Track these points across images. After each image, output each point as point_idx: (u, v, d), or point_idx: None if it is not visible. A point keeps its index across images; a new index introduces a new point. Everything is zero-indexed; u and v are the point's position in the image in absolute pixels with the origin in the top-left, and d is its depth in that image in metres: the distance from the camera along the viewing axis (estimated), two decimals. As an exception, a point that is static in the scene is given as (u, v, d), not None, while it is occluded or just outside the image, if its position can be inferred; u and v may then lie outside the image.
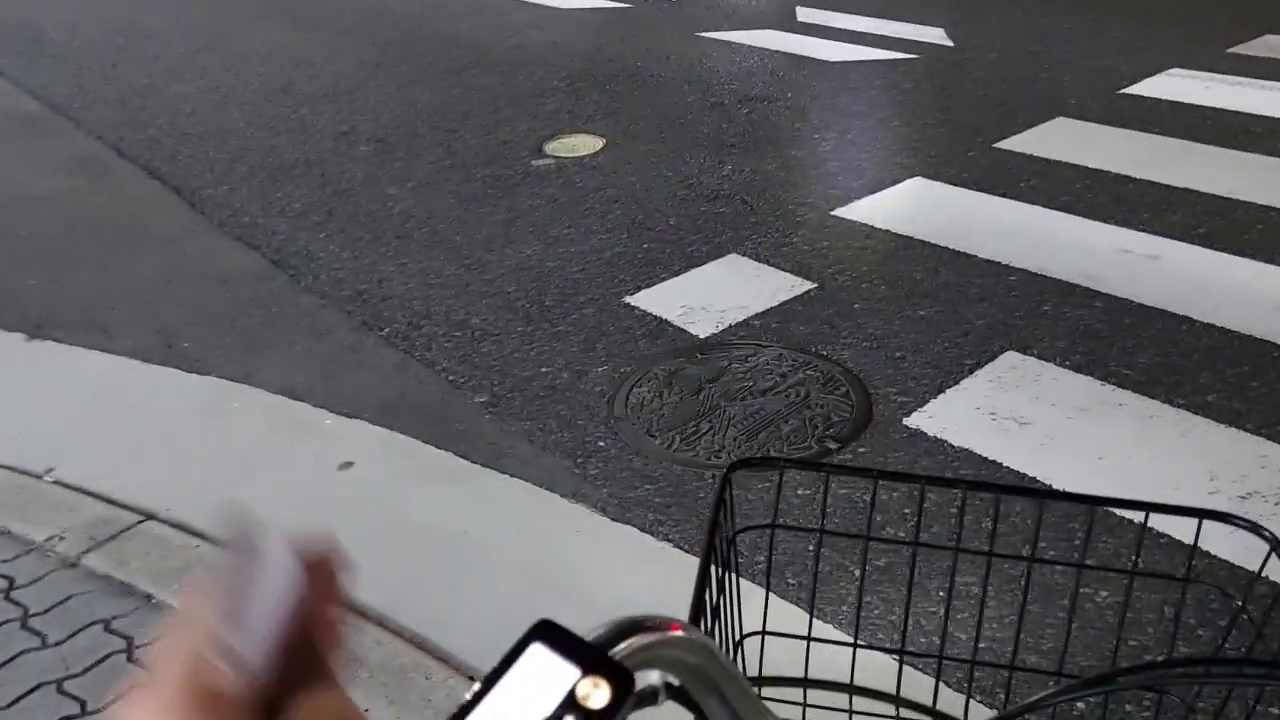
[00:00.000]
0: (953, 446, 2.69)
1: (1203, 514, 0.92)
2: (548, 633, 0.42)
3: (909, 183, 4.31)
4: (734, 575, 0.97)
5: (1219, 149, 4.48)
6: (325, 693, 0.45)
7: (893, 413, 2.84)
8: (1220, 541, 1.59)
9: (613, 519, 2.50)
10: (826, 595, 2.24)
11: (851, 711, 1.04)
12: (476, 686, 0.41)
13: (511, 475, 2.66)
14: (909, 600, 1.04)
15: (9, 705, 2.00)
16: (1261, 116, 4.82)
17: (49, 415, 2.98)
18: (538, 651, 0.42)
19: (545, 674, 0.41)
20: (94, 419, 2.94)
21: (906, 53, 6.09)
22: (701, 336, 3.24)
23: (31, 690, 2.03)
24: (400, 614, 2.21)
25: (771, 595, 1.14)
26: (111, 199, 4.52)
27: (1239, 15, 6.55)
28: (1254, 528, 0.89)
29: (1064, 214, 3.94)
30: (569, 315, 3.40)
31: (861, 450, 2.71)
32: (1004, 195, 4.13)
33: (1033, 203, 4.05)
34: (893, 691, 1.02)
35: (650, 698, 0.52)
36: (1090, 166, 4.33)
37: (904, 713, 1.02)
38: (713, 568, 0.90)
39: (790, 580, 2.27)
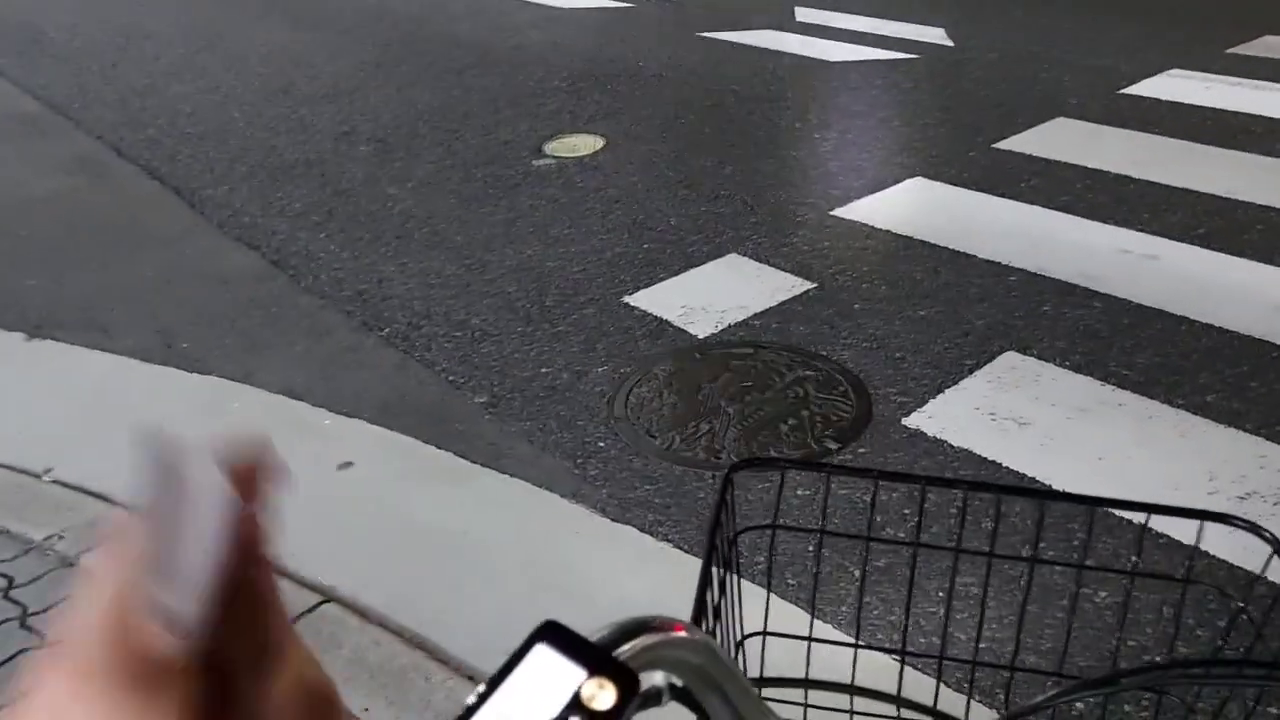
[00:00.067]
0: (952, 447, 2.69)
1: (1203, 515, 0.92)
2: (552, 634, 0.42)
3: (909, 183, 4.31)
4: (735, 576, 0.97)
5: (1218, 149, 4.48)
6: (277, 641, 0.38)
7: (892, 413, 2.84)
8: (1219, 542, 1.60)
9: (613, 519, 2.50)
10: (826, 595, 2.24)
11: (852, 712, 1.04)
12: (481, 688, 0.41)
13: (511, 475, 2.66)
14: (909, 601, 1.04)
15: (8, 704, 2.00)
16: (1261, 117, 4.82)
17: (48, 415, 2.98)
18: (542, 652, 0.42)
19: (550, 675, 0.41)
20: (93, 419, 2.94)
21: (906, 53, 6.09)
22: (701, 336, 3.24)
23: (32, 690, 2.03)
24: (400, 614, 2.21)
25: (772, 596, 1.14)
26: (111, 199, 4.52)
27: (1239, 16, 6.55)
28: (1254, 529, 0.89)
29: (1064, 214, 3.94)
30: (569, 315, 3.40)
31: (861, 450, 2.71)
32: (1004, 195, 4.13)
33: (1032, 203, 4.05)
34: (894, 692, 1.02)
35: (654, 698, 0.52)
36: (1090, 167, 4.33)
37: (905, 713, 1.02)
38: (714, 568, 0.90)
39: (790, 580, 2.27)
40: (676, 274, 3.63)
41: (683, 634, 0.51)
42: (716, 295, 3.47)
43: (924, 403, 2.87)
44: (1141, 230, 3.78)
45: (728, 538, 0.97)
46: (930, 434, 2.74)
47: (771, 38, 6.50)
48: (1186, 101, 5.05)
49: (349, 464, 2.71)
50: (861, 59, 6.01)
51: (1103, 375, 2.96)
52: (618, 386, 3.01)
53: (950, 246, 3.72)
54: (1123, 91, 5.23)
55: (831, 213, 4.05)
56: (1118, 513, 2.34)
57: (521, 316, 3.41)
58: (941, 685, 1.14)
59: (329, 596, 2.24)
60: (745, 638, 1.03)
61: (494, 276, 3.68)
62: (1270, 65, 5.59)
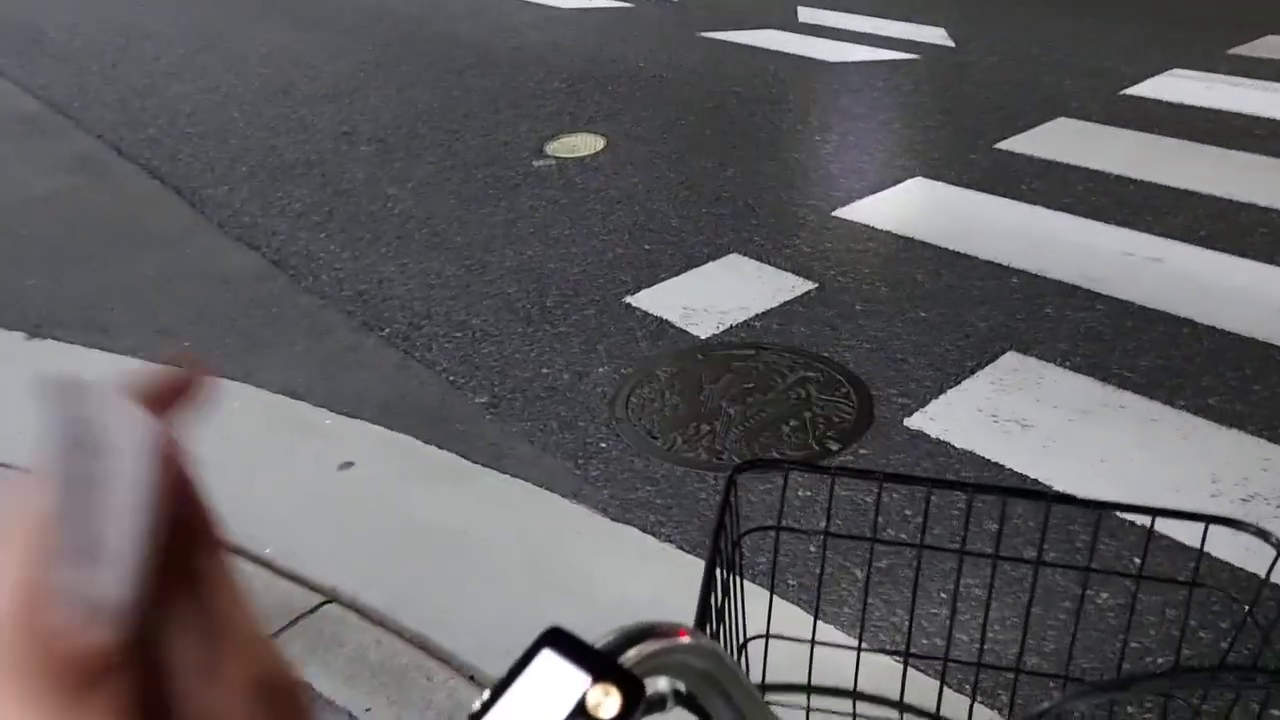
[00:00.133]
0: (954, 448, 2.69)
1: (1209, 519, 0.91)
2: (558, 640, 0.42)
3: (910, 183, 4.30)
4: (739, 578, 0.97)
5: (1221, 150, 4.48)
6: (226, 625, 0.30)
7: (894, 414, 2.84)
8: (1222, 544, 1.59)
9: (614, 520, 2.50)
10: (828, 597, 2.24)
11: (855, 716, 1.03)
12: (486, 694, 0.41)
13: (512, 476, 2.66)
14: (914, 603, 1.04)
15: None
16: (1263, 118, 4.82)
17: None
18: (548, 658, 0.41)
19: (555, 681, 0.40)
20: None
21: (908, 53, 6.09)
22: (703, 337, 3.23)
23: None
24: (401, 614, 2.21)
25: (774, 597, 1.13)
26: (112, 199, 4.51)
27: (1240, 16, 6.55)
28: (1261, 534, 0.89)
29: (1065, 215, 3.94)
30: (570, 316, 3.40)
31: (863, 452, 2.71)
32: (1005, 196, 4.13)
33: (1034, 204, 4.05)
34: (896, 696, 1.02)
35: (659, 704, 0.51)
36: (1092, 168, 4.33)
37: (908, 718, 1.02)
38: (718, 570, 0.90)
39: (791, 582, 2.27)
40: (677, 275, 3.63)
41: (687, 639, 0.50)
42: (718, 296, 3.47)
43: (926, 404, 2.87)
44: (1144, 232, 3.77)
45: (732, 540, 0.96)
46: (932, 435, 2.74)
47: (773, 38, 6.50)
48: (1188, 102, 5.04)
49: (350, 464, 2.70)
50: (863, 59, 6.01)
51: (1105, 377, 2.95)
52: (619, 387, 3.01)
53: (952, 248, 3.72)
54: (1124, 92, 5.23)
55: (833, 213, 4.05)
56: (1121, 515, 2.34)
57: (522, 317, 3.41)
58: (945, 688, 1.13)
59: (330, 596, 2.24)
60: (748, 640, 1.02)
61: (494, 277, 3.68)
62: (1272, 66, 5.58)
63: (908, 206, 4.10)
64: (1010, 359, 3.06)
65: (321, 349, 3.29)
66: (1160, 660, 2.02)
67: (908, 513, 2.44)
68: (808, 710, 1.02)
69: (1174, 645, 1.97)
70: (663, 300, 3.46)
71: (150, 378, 0.31)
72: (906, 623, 2.10)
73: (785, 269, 3.63)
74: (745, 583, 1.01)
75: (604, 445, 2.77)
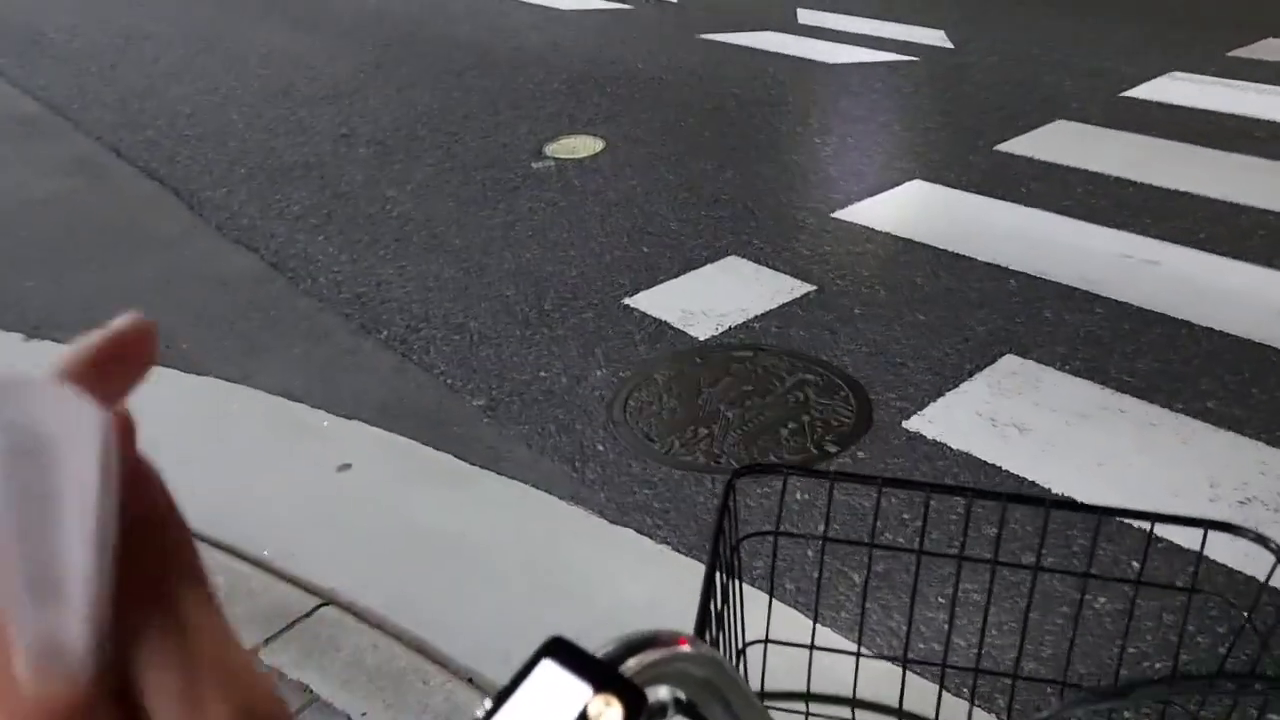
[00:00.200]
0: (952, 451, 2.69)
1: (1209, 525, 0.91)
2: (559, 650, 0.42)
3: (909, 185, 4.31)
4: (738, 583, 0.97)
5: (1219, 152, 4.48)
6: (205, 653, 0.26)
7: (892, 417, 2.84)
8: (1219, 549, 1.59)
9: (611, 523, 2.50)
10: (825, 601, 2.24)
11: (854, 723, 1.03)
12: (488, 703, 0.41)
13: (510, 478, 2.65)
14: (912, 609, 1.04)
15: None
16: (1262, 120, 4.82)
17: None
18: (549, 669, 0.41)
19: (556, 692, 0.40)
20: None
21: (907, 55, 6.09)
22: (701, 339, 3.24)
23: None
24: (398, 616, 2.20)
25: (773, 601, 1.13)
26: (110, 200, 4.51)
27: (1239, 18, 6.55)
28: (1261, 540, 0.89)
29: (1064, 217, 3.94)
30: (568, 319, 3.40)
31: (861, 455, 2.71)
32: (1004, 198, 4.13)
33: (1033, 206, 4.05)
34: (894, 703, 1.02)
35: (660, 713, 0.51)
36: (1091, 170, 4.33)
37: (907, 724, 1.02)
38: (717, 575, 0.90)
39: (789, 585, 2.27)
40: (676, 277, 3.63)
41: (688, 648, 0.50)
42: (716, 298, 3.47)
43: (924, 407, 2.87)
44: (1142, 234, 3.78)
45: (730, 544, 0.96)
46: (930, 438, 2.74)
47: (772, 40, 6.50)
48: (1187, 104, 5.05)
49: (347, 466, 2.70)
50: (862, 61, 6.01)
51: (1103, 380, 2.96)
52: (617, 390, 3.01)
53: (950, 250, 3.72)
54: (1123, 94, 5.23)
55: (832, 215, 4.05)
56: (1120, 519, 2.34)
57: (520, 320, 3.41)
58: (943, 693, 1.13)
59: (328, 599, 2.24)
60: (747, 645, 1.02)
61: (493, 279, 3.68)
62: (1271, 68, 5.59)
63: (907, 208, 4.10)
64: (1009, 362, 3.06)
65: (320, 351, 3.29)
66: (1158, 665, 2.02)
67: (905, 516, 2.44)
68: (806, 716, 1.02)
69: (1171, 650, 1.97)
70: (661, 302, 3.46)
71: (87, 351, 0.27)
72: (904, 627, 2.10)
73: (784, 271, 3.63)
74: (744, 586, 1.01)
75: (602, 448, 2.77)
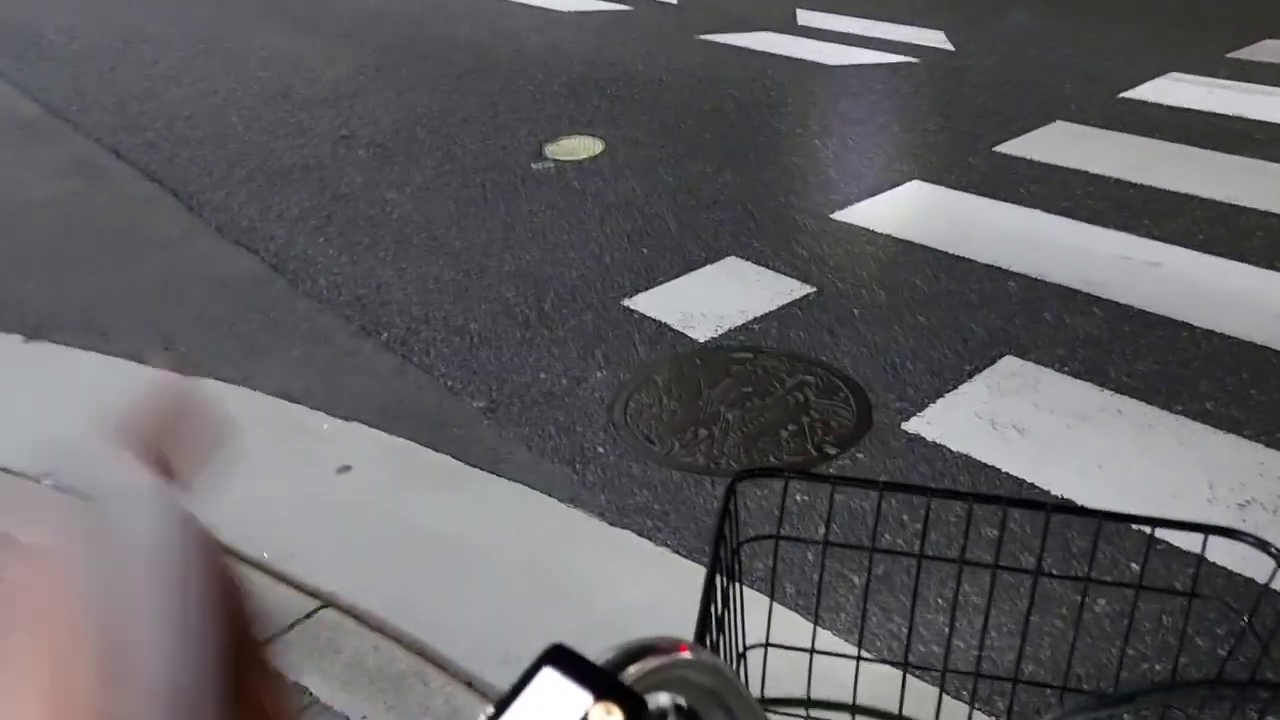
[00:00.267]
0: (951, 453, 2.69)
1: (1209, 530, 0.91)
2: (559, 657, 0.42)
3: (909, 187, 4.31)
4: (739, 587, 0.97)
5: (1219, 154, 4.48)
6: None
7: (892, 419, 2.84)
8: (1219, 551, 1.59)
9: (611, 525, 2.50)
10: (825, 603, 2.24)
11: (854, 728, 1.04)
12: (490, 709, 0.41)
13: (510, 480, 2.66)
14: (912, 614, 1.04)
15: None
16: (1261, 122, 4.83)
17: (47, 418, 2.97)
18: (549, 676, 0.41)
19: (557, 700, 0.40)
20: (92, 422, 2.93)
21: (906, 56, 6.10)
22: (701, 341, 3.24)
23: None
24: (398, 619, 2.21)
25: (773, 604, 1.13)
26: (110, 202, 4.51)
27: (1239, 20, 6.56)
28: (1261, 545, 0.89)
29: (1064, 219, 3.94)
30: (568, 320, 3.40)
31: (860, 456, 2.71)
32: (1004, 200, 4.13)
33: (1032, 207, 4.05)
34: (895, 707, 1.02)
35: (659, 720, 0.51)
36: (1090, 171, 4.34)
37: (908, 729, 1.02)
38: (718, 578, 0.90)
39: (789, 587, 2.27)
40: (675, 278, 3.63)
41: (688, 655, 0.51)
42: (716, 300, 3.47)
43: (923, 409, 2.87)
44: (1142, 236, 3.78)
45: (731, 548, 0.96)
46: (929, 440, 2.74)
47: (772, 41, 6.50)
48: (1186, 106, 5.05)
49: (347, 468, 2.70)
50: (861, 63, 6.02)
51: (1102, 382, 2.96)
52: (616, 392, 3.01)
53: (950, 251, 3.72)
54: (1122, 96, 5.23)
55: (831, 217, 4.05)
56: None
57: (520, 321, 3.41)
58: (943, 697, 1.13)
59: (328, 601, 2.24)
60: (747, 649, 1.02)
61: (493, 281, 3.68)
62: (1271, 70, 5.59)
63: (906, 210, 4.11)
64: (1008, 363, 3.06)
65: (319, 353, 3.29)
66: (1157, 667, 2.02)
67: (905, 518, 2.44)
68: (806, 719, 1.02)
69: (1170, 652, 1.97)
70: (661, 304, 3.46)
71: (151, 413, 0.26)
72: (904, 629, 2.10)
73: (783, 273, 3.63)
74: (744, 590, 1.01)
75: (601, 450, 2.77)
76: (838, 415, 2.86)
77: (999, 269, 3.58)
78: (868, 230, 3.92)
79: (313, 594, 2.26)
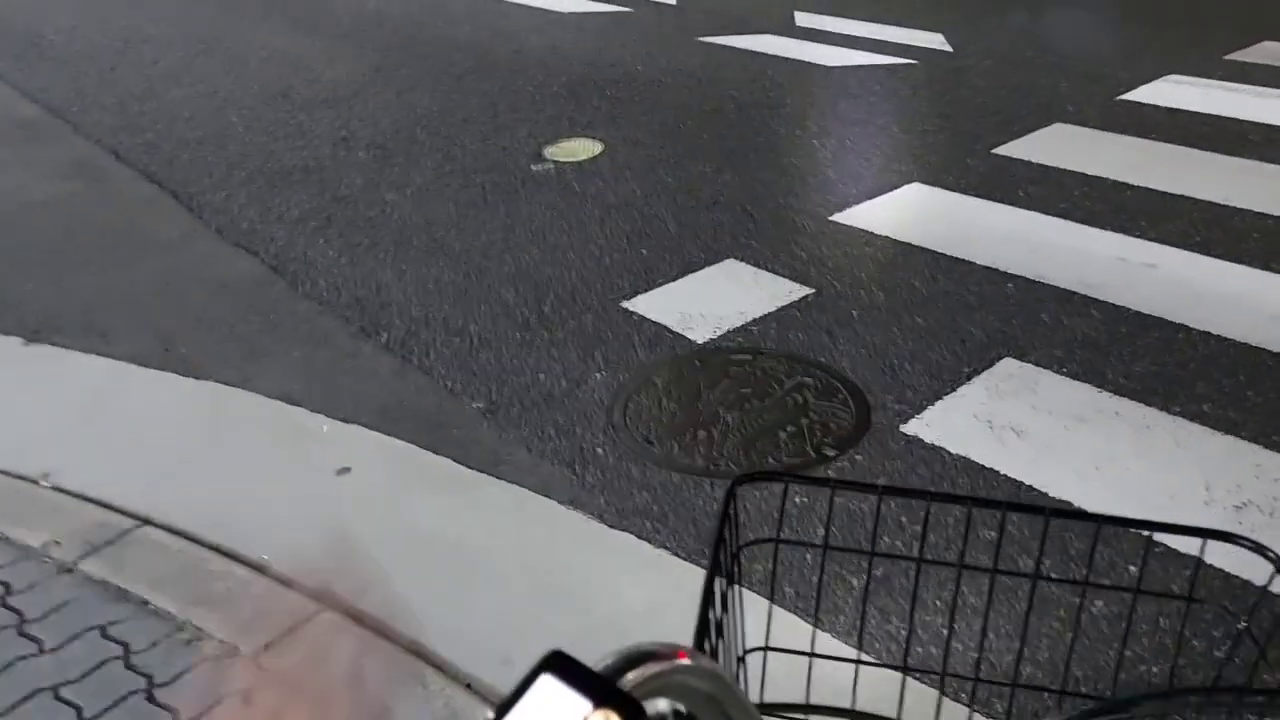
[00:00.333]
0: (950, 454, 2.69)
1: (1207, 534, 0.92)
2: (558, 664, 0.42)
3: (907, 189, 4.31)
4: (738, 590, 0.97)
5: (1216, 156, 4.49)
6: None
7: (890, 420, 2.84)
8: (1217, 554, 1.59)
9: (610, 527, 2.50)
10: (824, 606, 2.24)
11: (853, 732, 1.04)
12: (489, 716, 0.41)
13: (509, 482, 2.66)
14: (912, 617, 1.04)
15: (6, 712, 2.00)
16: (1259, 124, 4.83)
17: (47, 419, 2.97)
18: (548, 683, 0.42)
19: (556, 706, 0.41)
20: (92, 423, 2.93)
21: (905, 58, 6.10)
22: (700, 343, 3.24)
23: (28, 697, 2.02)
24: (397, 620, 2.21)
25: (772, 606, 1.13)
26: (110, 203, 4.51)
27: (1237, 22, 6.56)
28: (1259, 549, 0.89)
29: (1062, 221, 3.95)
30: (567, 322, 3.40)
31: (859, 458, 2.71)
32: (1002, 202, 4.14)
33: (1030, 209, 4.06)
34: (893, 711, 1.02)
35: (658, 726, 0.52)
36: (1088, 173, 4.34)
37: (907, 732, 1.02)
38: (717, 582, 0.90)
39: (788, 590, 2.27)
40: (675, 280, 3.63)
41: (686, 661, 0.51)
42: (715, 301, 3.47)
43: (922, 410, 2.87)
44: (1139, 237, 3.78)
45: (731, 552, 0.96)
46: (928, 441, 2.74)
47: (771, 43, 6.50)
48: (1184, 108, 5.06)
49: (347, 469, 2.70)
50: (860, 64, 6.02)
51: (1100, 383, 2.96)
52: (616, 393, 3.01)
53: (948, 253, 3.72)
54: (1121, 97, 5.24)
55: (830, 219, 4.05)
56: (1116, 522, 2.34)
57: (519, 323, 3.41)
58: (943, 699, 1.13)
59: (327, 603, 2.24)
60: (746, 653, 1.03)
61: (492, 282, 3.68)
62: (1268, 71, 5.60)
63: (905, 212, 4.11)
64: (1006, 365, 3.06)
65: (319, 355, 3.29)
66: (1155, 669, 2.03)
67: (903, 519, 2.44)
68: (805, 724, 1.03)
69: (1168, 654, 1.98)
70: (660, 306, 3.46)
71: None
72: (903, 631, 2.10)
73: (782, 274, 3.63)
74: (743, 593, 1.02)
75: (601, 452, 2.78)
76: (836, 417, 2.86)
77: (997, 270, 3.59)
78: (866, 232, 3.93)
79: (311, 595, 2.26)
